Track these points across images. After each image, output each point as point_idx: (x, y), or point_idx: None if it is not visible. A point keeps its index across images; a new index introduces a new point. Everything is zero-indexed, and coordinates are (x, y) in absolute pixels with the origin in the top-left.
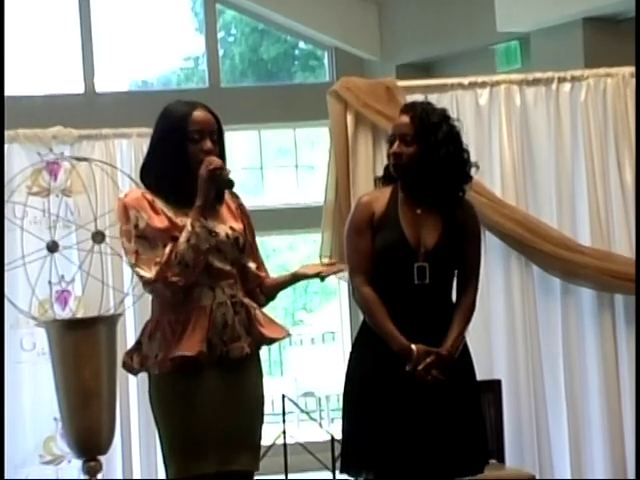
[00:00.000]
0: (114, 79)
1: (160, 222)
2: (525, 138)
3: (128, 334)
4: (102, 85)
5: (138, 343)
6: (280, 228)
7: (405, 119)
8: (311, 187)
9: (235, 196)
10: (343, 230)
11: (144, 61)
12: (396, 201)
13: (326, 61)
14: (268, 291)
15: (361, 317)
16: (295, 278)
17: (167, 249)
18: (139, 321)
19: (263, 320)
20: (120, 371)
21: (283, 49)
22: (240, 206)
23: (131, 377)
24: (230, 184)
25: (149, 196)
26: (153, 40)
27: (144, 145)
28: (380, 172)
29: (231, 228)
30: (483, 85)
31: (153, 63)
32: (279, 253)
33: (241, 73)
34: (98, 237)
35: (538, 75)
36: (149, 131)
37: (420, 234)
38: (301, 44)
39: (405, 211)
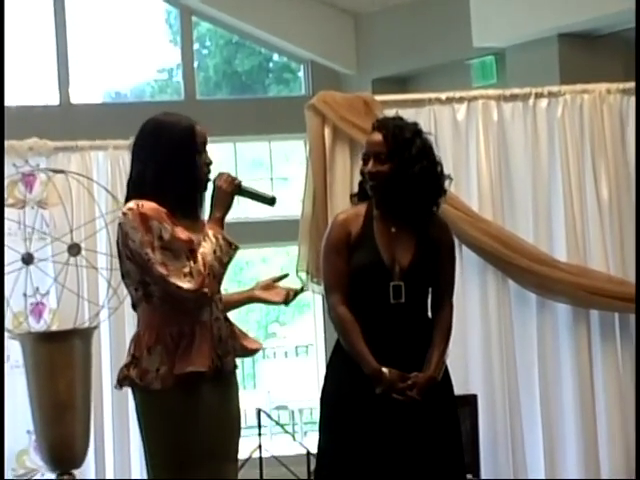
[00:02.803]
0: (89, 90)
1: (182, 233)
2: (502, 153)
3: (103, 347)
4: (77, 96)
5: (133, 357)
6: (254, 241)
7: (378, 137)
8: (286, 199)
9: None
10: (320, 244)
11: (118, 72)
12: (371, 219)
13: (301, 74)
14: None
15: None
16: (251, 301)
17: (200, 260)
18: (114, 334)
19: (240, 333)
20: (94, 384)
21: (257, 62)
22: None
23: (106, 390)
24: (274, 201)
25: (162, 208)
26: (127, 51)
27: (120, 157)
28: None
29: None
30: (460, 100)
31: (127, 74)
32: (252, 266)
33: (215, 85)
34: (74, 249)
35: (515, 91)
36: (126, 143)
37: (395, 253)
38: (275, 57)
39: (380, 230)
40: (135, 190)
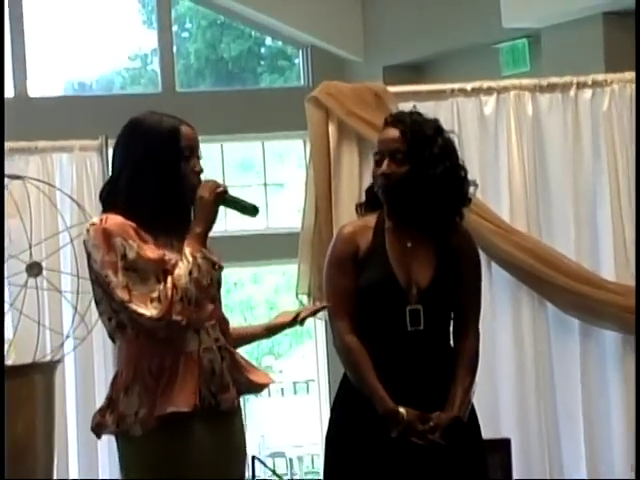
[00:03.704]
0: (49, 81)
1: (151, 252)
2: (538, 153)
3: (68, 384)
4: (36, 88)
5: (109, 400)
6: (244, 259)
7: (394, 133)
8: (281, 209)
9: None
10: (323, 262)
11: (82, 59)
12: (383, 232)
13: (299, 61)
14: (231, 343)
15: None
16: (270, 332)
17: (168, 283)
18: (81, 368)
19: (246, 365)
20: (58, 426)
21: (247, 47)
22: None
23: (71, 433)
24: (256, 210)
25: (131, 223)
26: (93, 35)
27: (87, 160)
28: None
29: None
30: (489, 91)
31: (92, 62)
32: (241, 287)
33: (197, 75)
34: (34, 269)
35: (554, 80)
36: (94, 144)
37: (411, 271)
38: (269, 41)
39: (393, 244)
40: (108, 201)
